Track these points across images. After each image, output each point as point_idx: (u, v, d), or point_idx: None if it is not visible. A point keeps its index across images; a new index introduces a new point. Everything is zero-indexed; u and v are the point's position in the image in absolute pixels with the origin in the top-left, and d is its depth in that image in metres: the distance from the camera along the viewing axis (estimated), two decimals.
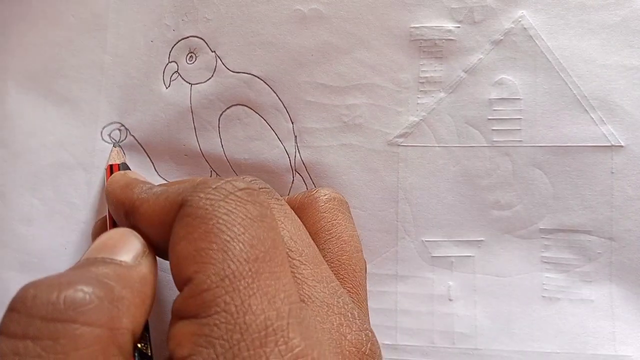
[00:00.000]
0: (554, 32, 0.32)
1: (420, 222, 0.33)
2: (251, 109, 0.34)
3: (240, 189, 0.23)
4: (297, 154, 0.34)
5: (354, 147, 0.33)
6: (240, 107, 0.34)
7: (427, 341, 0.33)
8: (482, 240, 0.33)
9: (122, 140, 0.34)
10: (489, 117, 0.33)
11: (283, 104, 0.34)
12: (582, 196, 0.32)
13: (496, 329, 0.32)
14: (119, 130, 0.35)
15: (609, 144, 0.32)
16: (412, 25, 0.33)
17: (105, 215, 0.32)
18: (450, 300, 0.33)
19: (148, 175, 0.35)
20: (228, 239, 0.21)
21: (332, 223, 0.29)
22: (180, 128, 0.34)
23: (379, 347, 0.24)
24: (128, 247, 0.24)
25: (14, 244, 0.34)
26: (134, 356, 0.22)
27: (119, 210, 0.27)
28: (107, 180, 0.32)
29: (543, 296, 0.32)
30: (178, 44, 0.35)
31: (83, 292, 0.20)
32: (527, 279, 0.32)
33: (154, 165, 0.35)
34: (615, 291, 0.32)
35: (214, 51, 0.34)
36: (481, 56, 0.33)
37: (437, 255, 0.33)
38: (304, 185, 0.34)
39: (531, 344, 0.32)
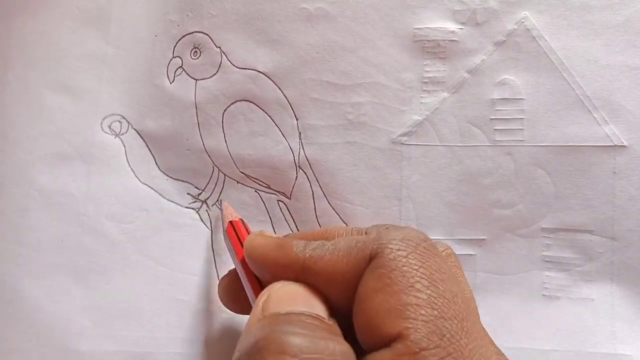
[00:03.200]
0: (556, 32, 0.32)
1: (422, 221, 0.33)
2: (256, 104, 0.34)
3: (424, 241, 0.23)
4: (301, 151, 0.34)
5: (358, 144, 0.33)
6: (245, 102, 0.34)
7: None
8: (483, 239, 0.33)
9: (123, 133, 0.34)
10: (492, 117, 0.33)
11: (288, 101, 0.34)
12: (584, 196, 0.32)
13: (496, 326, 0.32)
14: (120, 122, 0.34)
15: (612, 144, 0.32)
16: (416, 27, 0.33)
17: (228, 275, 0.30)
18: None
19: (148, 169, 0.34)
20: (434, 295, 0.21)
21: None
22: (183, 122, 0.34)
23: None
24: (317, 304, 0.23)
25: (10, 235, 0.34)
26: None
27: (283, 274, 0.25)
28: (228, 238, 0.30)
29: (543, 294, 0.32)
30: (182, 39, 0.35)
31: None
32: (528, 278, 0.32)
33: (154, 159, 0.34)
34: (616, 290, 0.32)
35: (219, 47, 0.34)
36: (484, 57, 0.33)
37: None
38: (307, 182, 0.34)
39: (531, 341, 0.32)
